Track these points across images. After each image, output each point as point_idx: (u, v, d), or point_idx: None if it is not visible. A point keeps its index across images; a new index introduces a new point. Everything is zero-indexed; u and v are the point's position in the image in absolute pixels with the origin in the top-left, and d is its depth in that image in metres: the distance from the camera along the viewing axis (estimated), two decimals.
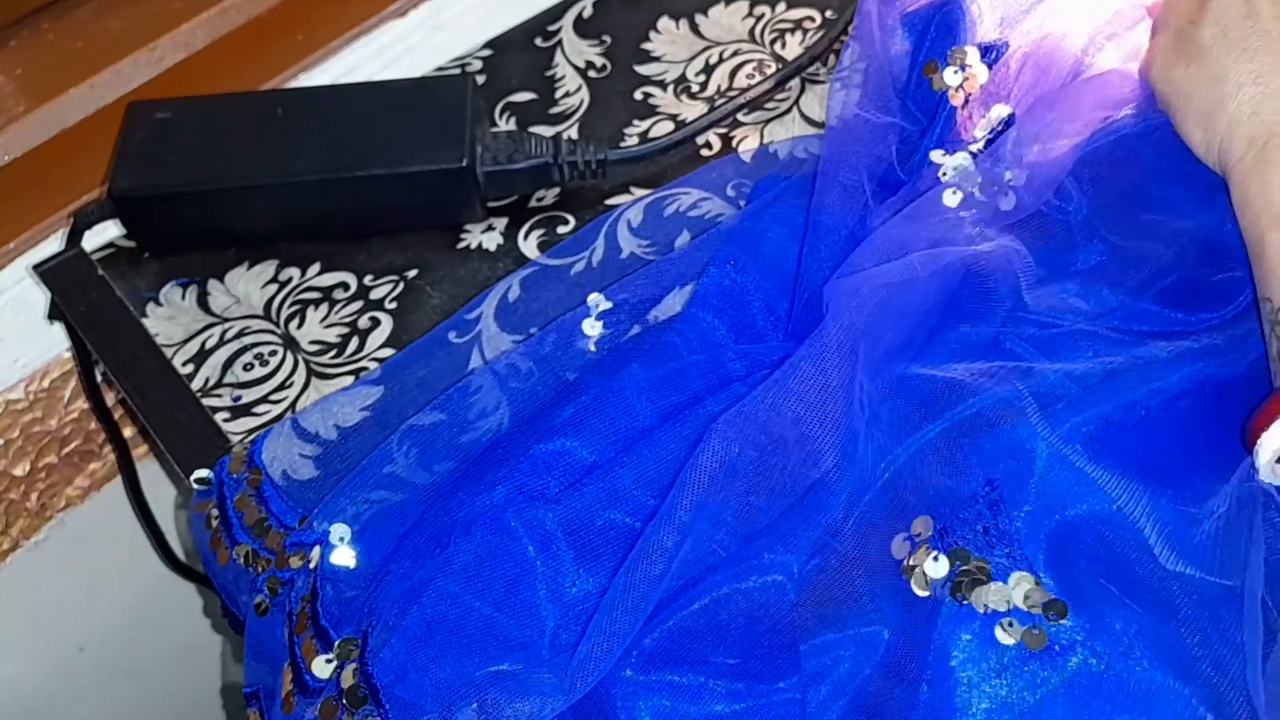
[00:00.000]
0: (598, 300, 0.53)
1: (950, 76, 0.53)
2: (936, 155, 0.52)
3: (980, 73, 0.53)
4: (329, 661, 0.45)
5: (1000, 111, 0.52)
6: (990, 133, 0.52)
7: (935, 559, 0.43)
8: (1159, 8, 0.52)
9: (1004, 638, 0.41)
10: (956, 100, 0.53)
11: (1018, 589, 0.42)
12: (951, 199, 0.51)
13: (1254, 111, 0.46)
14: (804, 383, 0.44)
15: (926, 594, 0.42)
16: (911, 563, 0.43)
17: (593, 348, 0.52)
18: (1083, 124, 0.51)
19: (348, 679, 0.44)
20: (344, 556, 0.47)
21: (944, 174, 0.52)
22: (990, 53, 0.53)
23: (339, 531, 0.48)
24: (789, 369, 0.45)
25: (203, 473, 0.52)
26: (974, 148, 0.52)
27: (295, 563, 0.48)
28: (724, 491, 0.43)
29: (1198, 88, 0.48)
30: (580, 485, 0.46)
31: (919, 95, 0.54)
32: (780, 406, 0.44)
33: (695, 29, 0.67)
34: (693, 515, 0.43)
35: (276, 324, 0.57)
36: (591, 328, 0.53)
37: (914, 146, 0.54)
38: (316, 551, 0.48)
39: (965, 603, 0.42)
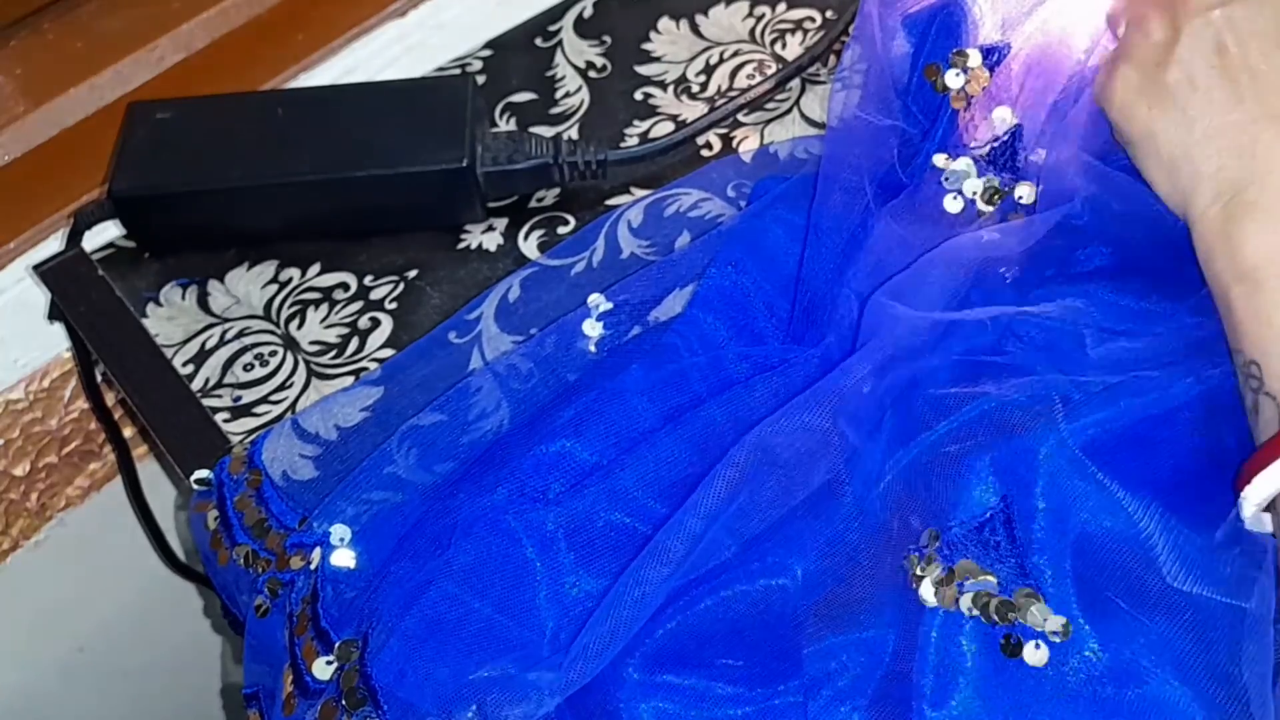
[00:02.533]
0: (598, 301, 0.53)
1: (952, 79, 0.53)
2: (939, 159, 0.52)
3: (982, 75, 0.53)
4: (329, 663, 0.45)
5: (1004, 115, 0.52)
6: (995, 139, 0.52)
7: (944, 570, 0.43)
8: (1116, 22, 0.51)
9: (1009, 651, 0.41)
10: (959, 103, 0.53)
11: (1024, 603, 0.42)
12: (953, 205, 0.51)
13: (1220, 166, 0.45)
14: (830, 402, 0.45)
15: (935, 604, 0.42)
16: (920, 573, 0.43)
17: (593, 348, 0.52)
18: (1090, 126, 0.50)
19: (347, 680, 0.44)
20: (344, 558, 0.47)
21: (946, 179, 0.52)
22: (992, 55, 0.53)
23: (339, 532, 0.48)
24: (823, 386, 0.45)
25: (203, 473, 0.52)
26: (978, 152, 0.52)
27: (295, 564, 0.48)
28: (741, 503, 0.43)
29: (1163, 132, 0.47)
30: (581, 487, 0.46)
31: (920, 97, 0.54)
32: (811, 423, 0.44)
33: (695, 29, 0.67)
34: (705, 524, 0.43)
35: (277, 324, 0.57)
36: (592, 328, 0.53)
37: (915, 149, 0.54)
38: (317, 553, 0.48)
39: (972, 615, 0.42)
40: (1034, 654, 0.41)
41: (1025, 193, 0.51)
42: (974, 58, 0.53)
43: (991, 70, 0.53)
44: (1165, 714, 0.40)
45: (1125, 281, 0.49)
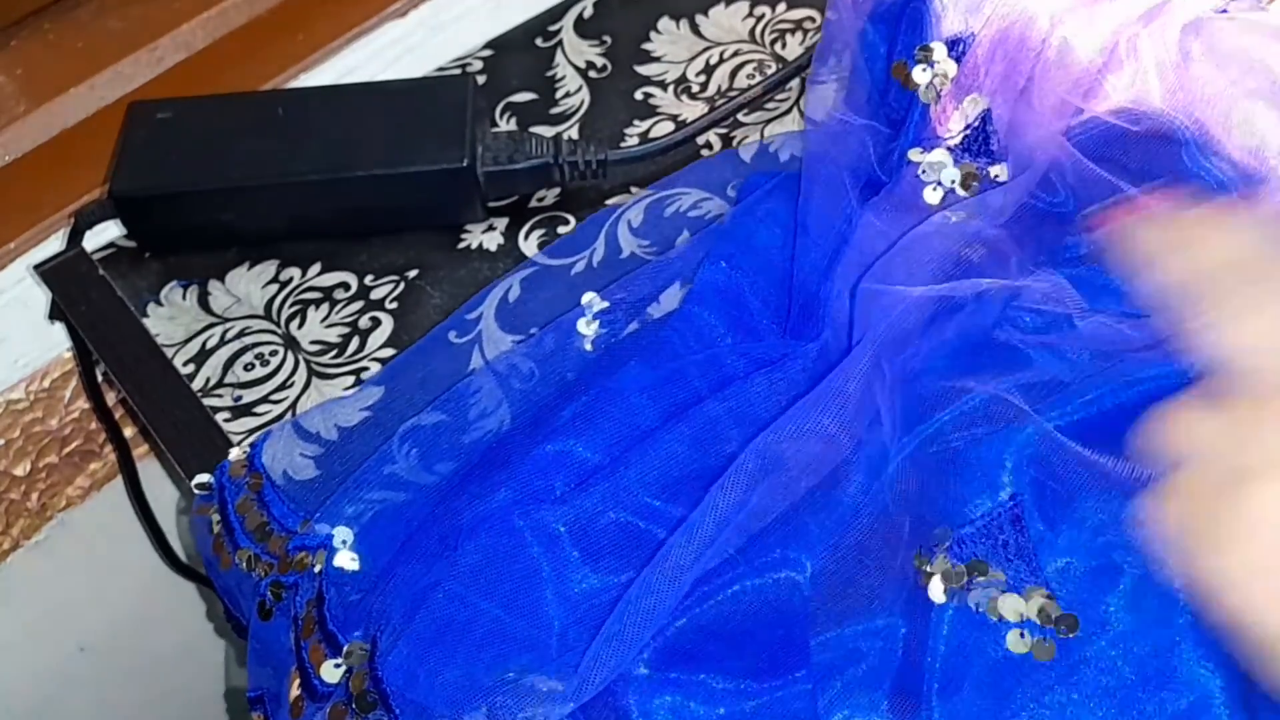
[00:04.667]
0: (592, 300, 0.53)
1: (919, 74, 0.53)
2: (914, 154, 0.52)
3: (949, 67, 0.53)
4: (337, 666, 0.45)
5: (975, 103, 0.52)
6: (966, 127, 0.52)
7: (953, 567, 0.43)
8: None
9: (1016, 646, 0.42)
10: (928, 98, 0.53)
11: (1032, 602, 0.42)
12: (932, 195, 0.51)
13: None
14: (836, 403, 0.45)
15: (944, 601, 0.43)
16: (929, 570, 0.43)
17: (589, 347, 0.52)
18: (1058, 107, 0.50)
19: (357, 683, 0.44)
20: (346, 559, 0.47)
21: (923, 172, 0.52)
22: (957, 46, 0.53)
23: (341, 534, 0.48)
24: (826, 387, 0.45)
25: (204, 477, 0.52)
26: (951, 142, 0.52)
27: (298, 567, 0.48)
28: (751, 507, 0.43)
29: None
30: (585, 486, 0.46)
31: (893, 95, 0.54)
32: (818, 426, 0.44)
33: (695, 29, 0.67)
34: (715, 530, 0.43)
35: (277, 324, 0.57)
36: (587, 327, 0.53)
37: (891, 147, 0.54)
38: (321, 555, 0.48)
39: (980, 612, 0.42)
40: (1043, 649, 0.41)
41: (1000, 173, 0.51)
42: (939, 51, 0.53)
43: (958, 61, 0.53)
44: (1177, 709, 0.40)
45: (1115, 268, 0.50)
